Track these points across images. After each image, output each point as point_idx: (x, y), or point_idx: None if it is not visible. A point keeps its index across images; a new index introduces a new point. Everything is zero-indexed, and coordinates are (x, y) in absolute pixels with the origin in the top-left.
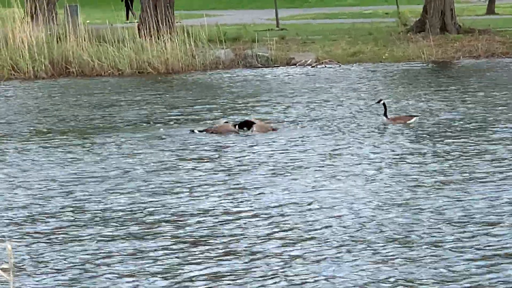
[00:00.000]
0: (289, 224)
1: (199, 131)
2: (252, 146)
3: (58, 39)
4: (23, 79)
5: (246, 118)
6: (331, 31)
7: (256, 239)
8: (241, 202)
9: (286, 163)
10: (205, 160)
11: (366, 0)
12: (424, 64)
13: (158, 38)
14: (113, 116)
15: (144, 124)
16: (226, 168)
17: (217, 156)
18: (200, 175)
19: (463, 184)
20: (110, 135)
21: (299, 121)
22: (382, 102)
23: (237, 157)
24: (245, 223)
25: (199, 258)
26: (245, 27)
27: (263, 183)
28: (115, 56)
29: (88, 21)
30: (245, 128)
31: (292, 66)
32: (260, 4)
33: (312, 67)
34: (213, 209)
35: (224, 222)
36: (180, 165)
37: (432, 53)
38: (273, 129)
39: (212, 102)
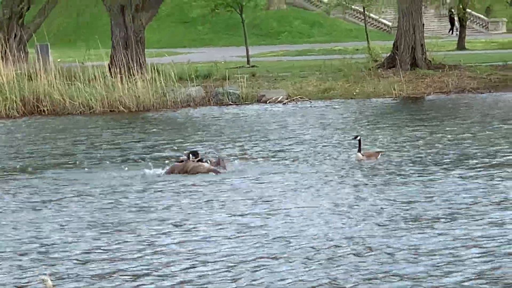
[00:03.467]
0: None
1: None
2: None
3: (29, 78)
4: None
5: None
6: (302, 68)
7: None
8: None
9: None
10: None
11: (336, 36)
12: (395, 100)
13: (129, 77)
14: (65, 154)
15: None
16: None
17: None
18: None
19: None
20: (46, 173)
21: (269, 157)
22: (358, 138)
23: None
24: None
25: None
26: (216, 64)
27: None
28: (86, 95)
29: (59, 60)
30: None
31: (263, 103)
32: (231, 41)
33: (283, 104)
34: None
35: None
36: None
37: (402, 89)
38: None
39: (178, 140)
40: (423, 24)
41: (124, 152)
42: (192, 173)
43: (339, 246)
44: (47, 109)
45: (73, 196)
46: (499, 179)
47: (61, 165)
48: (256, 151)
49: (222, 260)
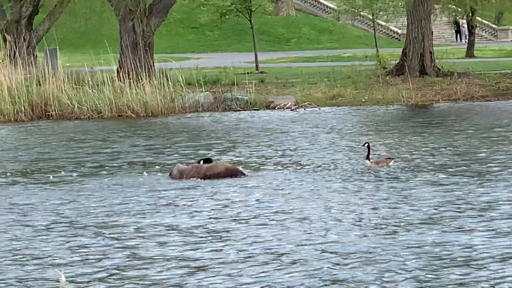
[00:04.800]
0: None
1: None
2: (224, 190)
3: (38, 82)
4: (3, 122)
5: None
6: (311, 74)
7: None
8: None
9: (257, 208)
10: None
11: (345, 43)
12: (403, 108)
13: (137, 82)
14: (66, 159)
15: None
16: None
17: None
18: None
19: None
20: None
21: (279, 164)
22: (366, 144)
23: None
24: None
25: None
26: (225, 70)
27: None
28: (94, 99)
29: (67, 64)
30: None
31: (272, 110)
32: (240, 47)
33: (292, 110)
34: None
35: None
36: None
37: (411, 96)
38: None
39: (186, 145)
40: (432, 32)
41: (130, 158)
42: (209, 174)
43: (296, 252)
44: (56, 114)
45: (63, 202)
46: (503, 187)
47: (61, 169)
48: (262, 157)
49: (181, 263)
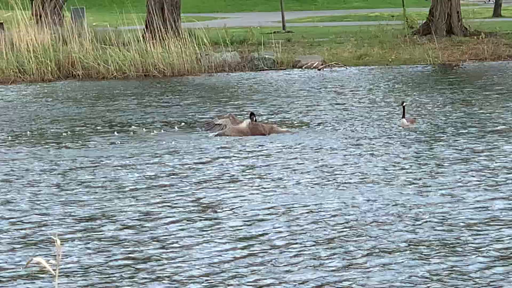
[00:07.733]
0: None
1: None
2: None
3: (64, 42)
4: (29, 81)
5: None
6: (338, 34)
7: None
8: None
9: (283, 167)
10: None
11: (372, 2)
12: (430, 67)
13: (164, 41)
14: (100, 119)
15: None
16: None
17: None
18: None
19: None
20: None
21: (308, 123)
22: (404, 104)
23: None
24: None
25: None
26: (252, 29)
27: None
28: (120, 59)
29: (94, 24)
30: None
31: (299, 69)
32: (267, 6)
33: (319, 69)
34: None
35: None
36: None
37: (438, 56)
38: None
39: (213, 105)
40: None
41: (161, 117)
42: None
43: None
44: (81, 74)
45: (72, 160)
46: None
47: (85, 128)
48: (290, 115)
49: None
